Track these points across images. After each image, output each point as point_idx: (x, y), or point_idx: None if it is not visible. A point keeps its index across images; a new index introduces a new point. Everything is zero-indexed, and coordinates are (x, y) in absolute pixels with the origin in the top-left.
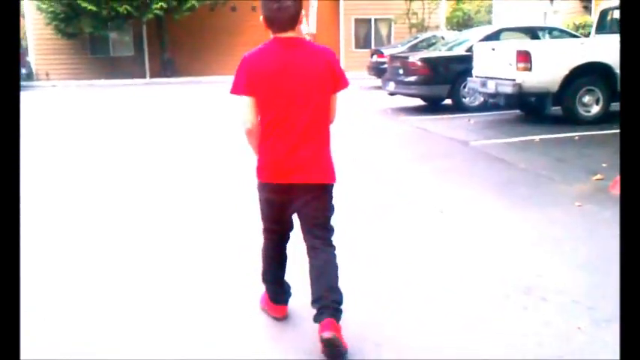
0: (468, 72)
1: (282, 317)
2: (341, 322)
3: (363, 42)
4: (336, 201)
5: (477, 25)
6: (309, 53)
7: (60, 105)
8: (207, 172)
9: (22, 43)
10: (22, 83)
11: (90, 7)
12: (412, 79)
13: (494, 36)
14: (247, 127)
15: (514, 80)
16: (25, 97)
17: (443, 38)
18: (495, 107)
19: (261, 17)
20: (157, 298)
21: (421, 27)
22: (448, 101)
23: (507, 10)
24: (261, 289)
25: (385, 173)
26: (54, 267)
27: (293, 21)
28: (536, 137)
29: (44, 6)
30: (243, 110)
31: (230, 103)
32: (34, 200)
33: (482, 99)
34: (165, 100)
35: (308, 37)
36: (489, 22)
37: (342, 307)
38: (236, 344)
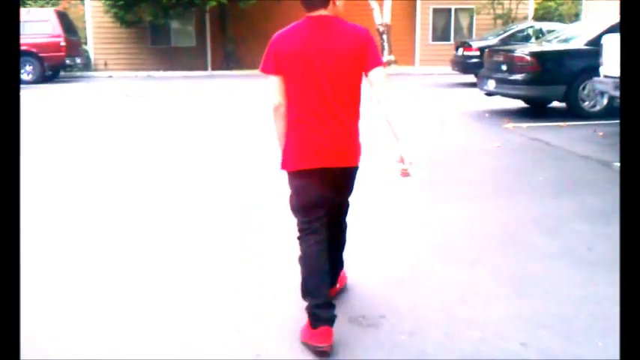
0: (589, 70)
1: (328, 349)
2: None
3: (441, 34)
4: None
5: (559, 20)
6: (339, 32)
7: (110, 96)
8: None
9: (80, 31)
10: (78, 73)
11: None
12: (519, 77)
13: (617, 27)
14: (273, 106)
15: None
16: (78, 87)
17: (541, 30)
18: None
19: None
20: (158, 299)
21: (507, 18)
22: (556, 104)
23: (598, 2)
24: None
25: (513, 207)
26: (58, 266)
27: (323, 0)
28: None
29: None
30: (270, 89)
31: None
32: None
33: (605, 103)
34: (225, 94)
35: (382, 29)
36: (577, 16)
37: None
38: (238, 344)
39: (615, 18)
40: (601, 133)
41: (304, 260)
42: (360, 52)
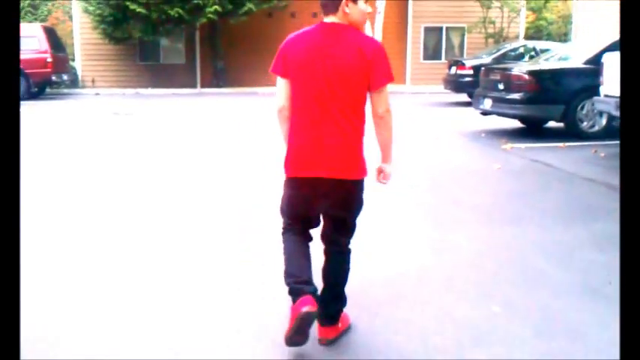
0: (588, 90)
1: (313, 309)
2: None
3: (432, 53)
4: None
5: (548, 38)
6: (349, 42)
7: (96, 114)
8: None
9: (68, 47)
10: (65, 90)
11: (139, 9)
12: (517, 96)
13: (616, 45)
14: (277, 108)
15: None
16: (64, 105)
17: (535, 49)
18: (619, 134)
19: None
20: (158, 299)
21: (499, 37)
22: (552, 124)
23: (589, 22)
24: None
25: (522, 235)
26: (58, 264)
27: (331, 5)
28: None
29: (91, 8)
30: (277, 91)
31: None
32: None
33: (604, 123)
34: (215, 112)
35: None
36: (566, 35)
37: (345, 308)
38: (238, 344)
39: (613, 36)
40: (602, 154)
41: (285, 250)
42: (367, 68)
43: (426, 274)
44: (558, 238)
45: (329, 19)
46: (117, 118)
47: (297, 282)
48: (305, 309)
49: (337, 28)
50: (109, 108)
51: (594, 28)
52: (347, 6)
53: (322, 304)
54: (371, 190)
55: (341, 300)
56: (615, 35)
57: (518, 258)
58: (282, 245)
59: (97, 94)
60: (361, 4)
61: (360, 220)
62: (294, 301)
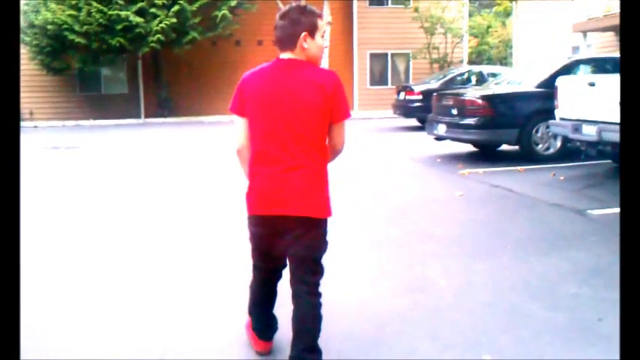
0: (542, 113)
1: (265, 353)
2: None
3: (379, 78)
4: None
5: (488, 62)
6: (307, 78)
7: (33, 149)
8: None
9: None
10: None
11: (79, 39)
12: (471, 121)
13: (570, 69)
14: (236, 148)
15: None
16: None
17: (481, 73)
18: (574, 156)
19: None
20: (159, 300)
21: (443, 62)
22: (506, 147)
23: (529, 46)
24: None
25: (499, 269)
26: (55, 269)
27: (288, 41)
28: None
29: (28, 39)
30: (235, 130)
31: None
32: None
33: (558, 146)
34: (160, 143)
35: None
36: (505, 59)
37: None
38: (238, 344)
39: (553, 59)
40: (562, 177)
41: (250, 290)
42: (328, 102)
43: (405, 320)
44: (537, 270)
45: (286, 55)
46: (56, 153)
47: (258, 328)
48: (257, 350)
49: (295, 64)
50: (47, 141)
51: (533, 52)
52: (305, 41)
53: None
54: (331, 225)
55: (314, 353)
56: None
57: (499, 296)
58: (250, 279)
59: (36, 126)
60: (318, 39)
61: (324, 260)
62: (252, 327)
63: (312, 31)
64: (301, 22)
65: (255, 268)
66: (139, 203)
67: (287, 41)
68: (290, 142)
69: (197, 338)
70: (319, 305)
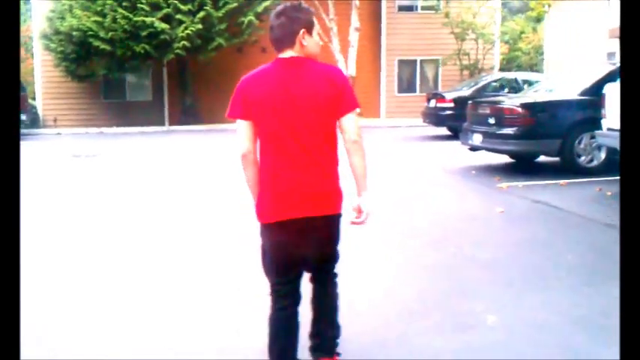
0: (585, 122)
1: None
2: None
3: (407, 85)
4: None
5: (519, 69)
6: (311, 73)
7: (54, 157)
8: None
9: (29, 86)
10: (24, 131)
11: (104, 46)
12: (510, 131)
13: (617, 76)
14: (241, 153)
15: None
16: (20, 146)
17: (516, 80)
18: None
19: None
20: (159, 300)
21: (474, 69)
22: (543, 158)
23: (561, 52)
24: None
25: (555, 303)
26: (56, 270)
27: (287, 39)
28: None
29: (53, 45)
30: (239, 135)
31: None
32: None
33: (602, 158)
34: (183, 151)
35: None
36: (536, 65)
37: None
38: (238, 344)
39: (585, 66)
40: (609, 193)
41: (270, 323)
42: (335, 96)
43: None
44: (597, 306)
45: (285, 54)
46: (76, 161)
47: None
48: None
49: (299, 61)
50: (69, 149)
51: (565, 59)
52: (303, 38)
53: (316, 336)
54: (366, 247)
55: (334, 327)
56: (588, 64)
57: (559, 338)
58: (269, 312)
59: (59, 133)
60: (316, 36)
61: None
62: None
63: (309, 28)
64: (299, 20)
65: (276, 291)
66: (148, 210)
67: (286, 39)
68: (308, 141)
69: (197, 338)
70: (336, 285)
